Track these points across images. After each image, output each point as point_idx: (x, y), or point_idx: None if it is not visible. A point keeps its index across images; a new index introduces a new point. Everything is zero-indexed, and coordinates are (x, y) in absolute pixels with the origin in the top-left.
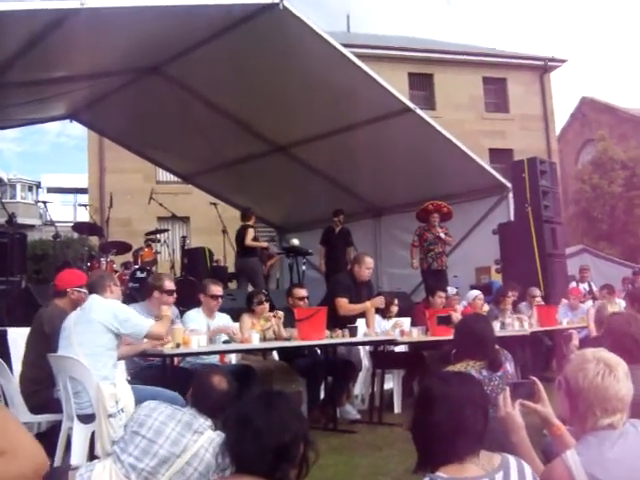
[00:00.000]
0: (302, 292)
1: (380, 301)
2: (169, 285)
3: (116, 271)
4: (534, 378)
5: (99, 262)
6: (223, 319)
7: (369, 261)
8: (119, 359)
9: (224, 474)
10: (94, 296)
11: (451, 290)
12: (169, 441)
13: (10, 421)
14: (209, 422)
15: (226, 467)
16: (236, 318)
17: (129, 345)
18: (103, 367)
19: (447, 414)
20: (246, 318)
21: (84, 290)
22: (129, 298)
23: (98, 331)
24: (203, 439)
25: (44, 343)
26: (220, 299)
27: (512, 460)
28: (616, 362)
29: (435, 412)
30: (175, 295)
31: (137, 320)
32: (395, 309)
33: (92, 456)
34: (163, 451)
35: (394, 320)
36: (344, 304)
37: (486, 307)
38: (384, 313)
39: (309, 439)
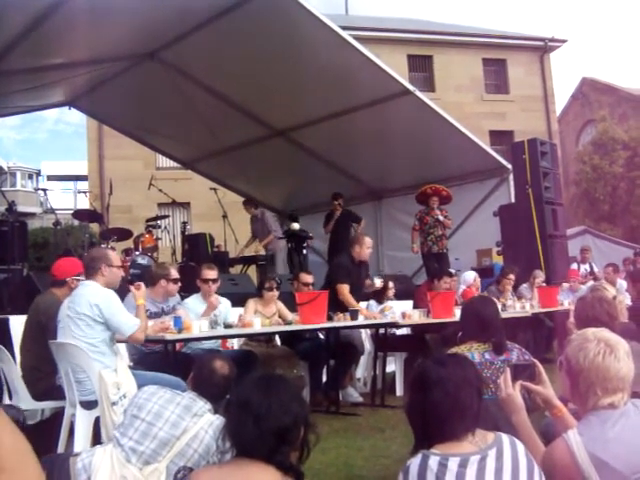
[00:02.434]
0: (308, 278)
1: (370, 315)
2: (175, 274)
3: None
4: (535, 360)
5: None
6: (223, 303)
7: (369, 240)
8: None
9: (224, 457)
10: (86, 283)
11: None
12: (168, 424)
13: (9, 435)
14: (208, 405)
15: (227, 451)
16: (240, 303)
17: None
18: (101, 356)
19: (444, 395)
20: (251, 303)
21: (82, 278)
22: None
23: (89, 324)
24: (202, 421)
25: (41, 332)
26: (212, 283)
27: (505, 438)
28: (616, 341)
29: (432, 394)
30: (179, 284)
31: (124, 319)
32: (391, 292)
33: (96, 442)
34: (163, 433)
35: (385, 304)
36: (345, 292)
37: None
38: (380, 298)
39: (310, 422)
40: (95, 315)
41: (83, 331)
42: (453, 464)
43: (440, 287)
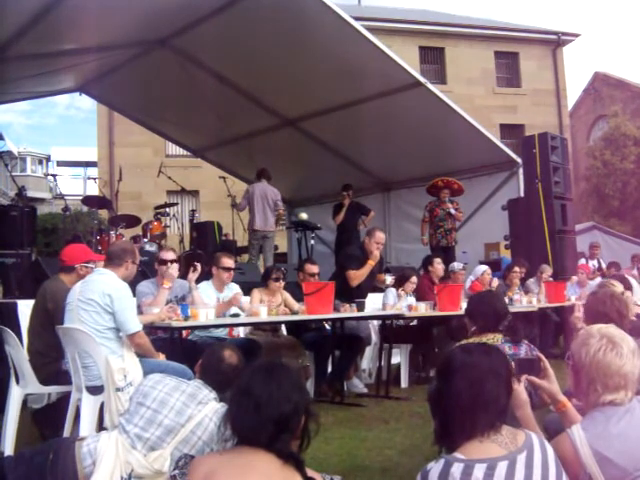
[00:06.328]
0: (314, 268)
1: (376, 257)
2: (164, 255)
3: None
4: (540, 354)
5: (109, 235)
6: (233, 289)
7: (380, 236)
8: None
9: (226, 445)
10: (102, 271)
11: (457, 265)
12: (173, 411)
13: None
14: (213, 394)
15: (228, 438)
16: (247, 292)
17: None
18: (108, 342)
19: (467, 385)
20: (256, 293)
21: (92, 265)
22: (138, 272)
23: (98, 312)
24: (207, 409)
25: (48, 318)
26: (232, 272)
27: (535, 440)
28: (621, 338)
29: (454, 383)
30: (174, 265)
31: (131, 318)
32: (410, 287)
33: (101, 427)
34: (168, 421)
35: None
36: (353, 274)
37: (496, 281)
38: (399, 289)
39: (310, 411)
40: (105, 304)
41: (91, 317)
42: (479, 472)
43: (437, 270)
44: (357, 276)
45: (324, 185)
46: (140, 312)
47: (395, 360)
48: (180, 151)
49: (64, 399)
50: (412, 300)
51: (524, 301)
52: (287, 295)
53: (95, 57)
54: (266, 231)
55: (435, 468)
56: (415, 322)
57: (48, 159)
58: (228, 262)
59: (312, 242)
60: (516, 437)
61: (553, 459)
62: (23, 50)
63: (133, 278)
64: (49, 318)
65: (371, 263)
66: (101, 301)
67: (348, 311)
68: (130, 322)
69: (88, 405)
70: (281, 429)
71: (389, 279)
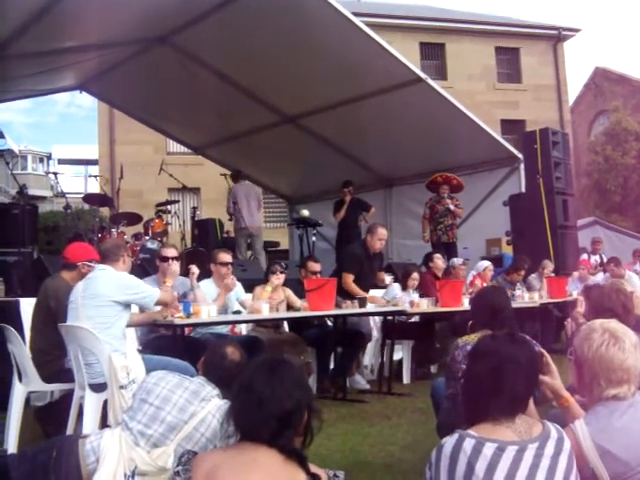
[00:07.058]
0: (316, 266)
1: (379, 301)
2: (165, 252)
3: (127, 242)
4: (543, 350)
5: (110, 233)
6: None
7: (382, 232)
8: (130, 326)
9: (229, 441)
10: (102, 267)
11: (457, 261)
12: (176, 408)
13: None
14: (216, 390)
15: (231, 434)
16: (248, 289)
17: (141, 314)
18: (112, 339)
19: (484, 369)
20: (259, 290)
21: (94, 264)
22: (140, 269)
23: (106, 305)
24: (210, 406)
25: (50, 316)
26: (230, 266)
27: (554, 433)
28: (623, 333)
29: (475, 366)
30: (175, 262)
31: (146, 290)
32: (412, 282)
33: (104, 425)
34: (171, 417)
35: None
36: (349, 281)
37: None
38: (403, 285)
39: (313, 407)
40: (116, 296)
41: (98, 311)
42: (488, 450)
43: (438, 265)
44: (349, 287)
45: (325, 182)
46: (143, 310)
47: (397, 356)
48: (181, 148)
49: (67, 397)
50: (415, 296)
51: (526, 297)
52: (289, 292)
53: (95, 55)
54: (253, 228)
55: (449, 442)
56: (417, 318)
57: (49, 157)
58: (225, 257)
59: (313, 239)
60: (532, 428)
61: (567, 454)
62: (24, 48)
63: (133, 273)
64: (51, 316)
65: (371, 300)
66: (110, 293)
67: (350, 307)
68: (149, 296)
69: (91, 403)
70: (284, 425)
71: (388, 279)
